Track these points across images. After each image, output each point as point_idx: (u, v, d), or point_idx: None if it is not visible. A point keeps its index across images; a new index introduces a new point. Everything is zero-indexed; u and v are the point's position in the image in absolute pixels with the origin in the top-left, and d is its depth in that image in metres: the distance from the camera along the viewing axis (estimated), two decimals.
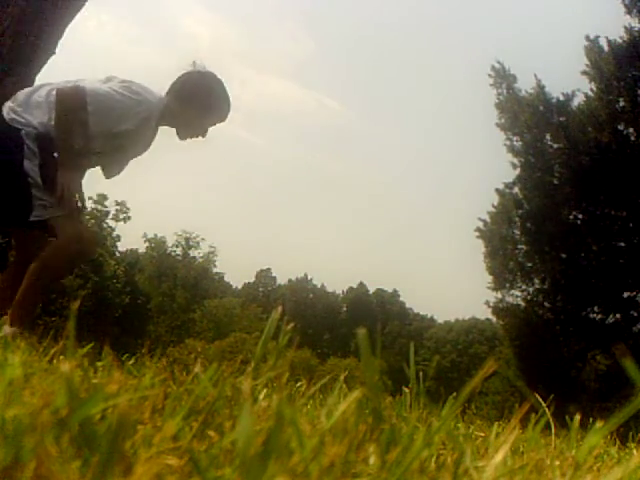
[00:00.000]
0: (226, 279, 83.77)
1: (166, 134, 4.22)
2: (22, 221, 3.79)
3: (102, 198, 45.87)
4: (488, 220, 20.41)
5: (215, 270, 72.32)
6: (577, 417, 1.35)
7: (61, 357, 1.37)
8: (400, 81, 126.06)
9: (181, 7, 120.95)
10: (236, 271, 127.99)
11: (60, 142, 3.68)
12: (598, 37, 19.18)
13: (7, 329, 3.64)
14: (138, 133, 4.01)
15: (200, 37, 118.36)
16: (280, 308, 1.09)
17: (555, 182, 19.46)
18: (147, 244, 64.72)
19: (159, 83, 4.12)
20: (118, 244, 47.64)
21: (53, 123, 3.67)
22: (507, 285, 20.13)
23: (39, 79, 5.01)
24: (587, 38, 19.28)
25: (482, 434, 1.53)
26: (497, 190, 20.49)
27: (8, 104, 3.81)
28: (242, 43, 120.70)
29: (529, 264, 19.85)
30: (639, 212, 18.44)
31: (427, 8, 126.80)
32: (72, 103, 3.65)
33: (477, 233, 20.51)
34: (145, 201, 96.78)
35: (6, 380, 0.81)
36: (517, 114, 19.86)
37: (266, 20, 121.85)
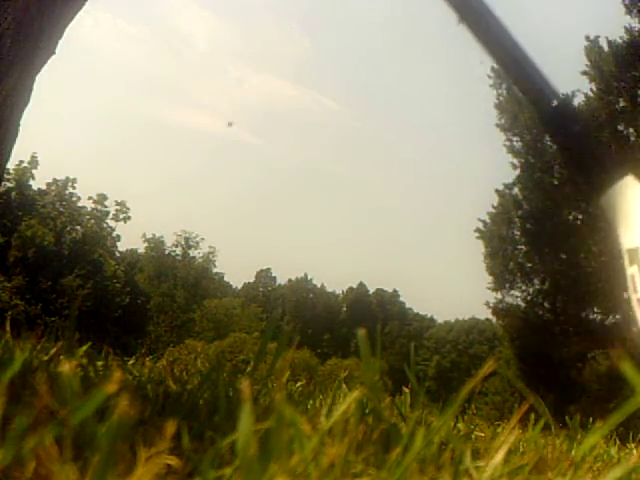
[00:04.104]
0: (226, 279, 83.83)
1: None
2: None
3: (102, 198, 45.90)
4: (488, 221, 20.43)
5: (215, 270, 72.39)
6: (577, 417, 1.35)
7: (61, 357, 1.37)
8: (400, 81, 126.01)
9: (177, 5, 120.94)
10: (236, 271, 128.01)
11: None
12: (598, 37, 19.21)
13: None
14: None
15: (196, 35, 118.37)
16: (280, 308, 1.09)
17: (555, 182, 19.47)
18: (146, 244, 64.79)
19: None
20: (118, 244, 47.70)
21: None
22: (507, 285, 20.14)
23: (39, 79, 5.01)
24: (587, 38, 19.30)
25: (482, 434, 1.53)
26: (497, 191, 20.51)
27: None
28: (238, 42, 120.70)
29: (529, 265, 19.86)
30: None
31: (426, 8, 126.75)
32: None
33: (477, 234, 20.52)
34: (145, 201, 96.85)
35: (6, 380, 0.81)
36: (517, 114, 19.87)
37: (262, 19, 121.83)
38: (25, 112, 5.01)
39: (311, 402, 1.64)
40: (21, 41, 5.05)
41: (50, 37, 5.23)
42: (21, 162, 42.10)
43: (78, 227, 44.38)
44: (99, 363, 1.39)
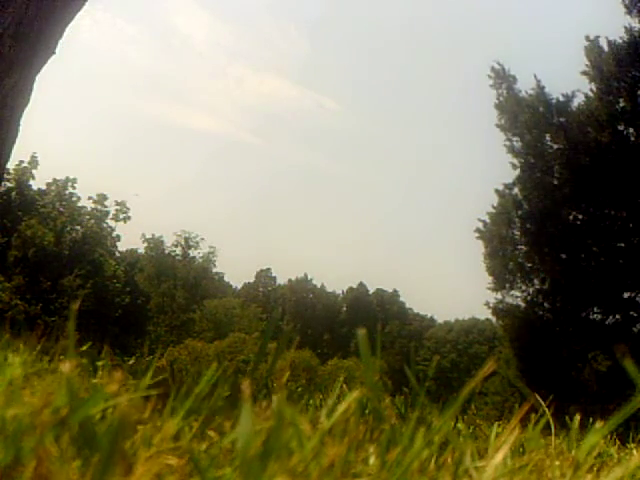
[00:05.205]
0: (226, 279, 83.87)
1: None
2: None
3: (102, 198, 45.90)
4: (488, 221, 20.41)
5: (215, 270, 72.34)
6: (577, 417, 1.35)
7: (61, 357, 1.37)
8: (400, 81, 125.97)
9: (175, 5, 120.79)
10: (236, 271, 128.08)
11: None
12: (598, 37, 19.19)
13: None
14: None
15: (195, 35, 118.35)
16: (280, 308, 1.09)
17: (555, 182, 19.46)
18: (146, 244, 64.79)
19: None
20: (118, 244, 47.69)
21: None
22: (507, 286, 20.13)
23: (39, 79, 5.01)
24: (587, 38, 19.28)
25: (482, 434, 1.53)
26: (497, 191, 20.49)
27: None
28: (238, 42, 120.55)
29: (529, 265, 19.85)
30: (639, 212, 18.44)
31: (427, 8, 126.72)
32: None
33: (477, 234, 20.51)
34: (145, 201, 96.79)
35: (6, 380, 0.81)
36: (517, 115, 19.85)
37: (261, 19, 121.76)
38: (25, 112, 5.00)
39: (311, 402, 1.64)
40: (21, 41, 5.05)
41: (50, 37, 5.23)
42: (21, 162, 42.11)
43: (78, 227, 44.39)
44: (99, 363, 1.38)
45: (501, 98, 20.30)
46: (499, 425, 1.45)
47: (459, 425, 1.81)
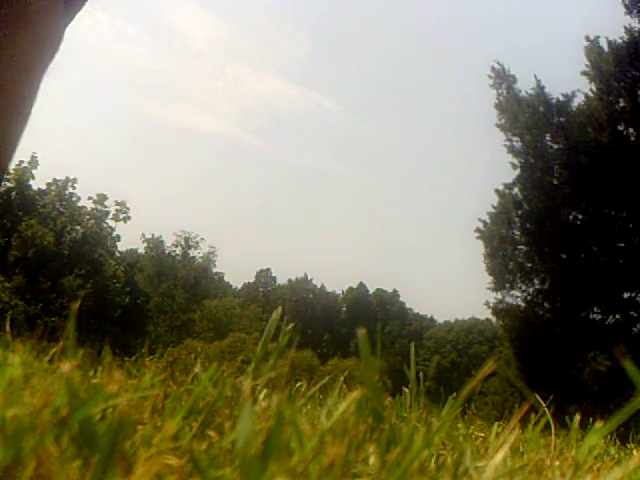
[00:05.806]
0: (226, 279, 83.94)
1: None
2: None
3: (102, 198, 45.93)
4: (488, 221, 20.42)
5: (215, 270, 72.38)
6: (577, 417, 1.35)
7: (61, 357, 1.37)
8: (400, 81, 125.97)
9: (175, 5, 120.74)
10: (236, 271, 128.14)
11: None
12: (598, 37, 19.20)
13: None
14: None
15: (194, 35, 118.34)
16: (280, 308, 1.09)
17: (555, 182, 19.47)
18: (146, 244, 64.84)
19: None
20: (118, 244, 47.71)
21: None
22: (507, 286, 20.14)
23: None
24: (587, 38, 19.29)
25: (482, 434, 1.53)
26: (497, 191, 20.50)
27: None
28: (237, 42, 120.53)
29: (529, 265, 19.86)
30: (639, 212, 18.45)
31: (427, 8, 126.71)
32: None
33: (477, 234, 20.51)
34: (145, 201, 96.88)
35: (6, 380, 0.81)
36: (517, 115, 19.86)
37: (261, 18, 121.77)
38: None
39: (311, 402, 1.64)
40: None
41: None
42: (21, 162, 42.13)
43: (78, 227, 44.40)
44: (100, 366, 1.39)
45: (501, 98, 20.31)
46: (499, 425, 1.45)
47: (459, 425, 1.81)
